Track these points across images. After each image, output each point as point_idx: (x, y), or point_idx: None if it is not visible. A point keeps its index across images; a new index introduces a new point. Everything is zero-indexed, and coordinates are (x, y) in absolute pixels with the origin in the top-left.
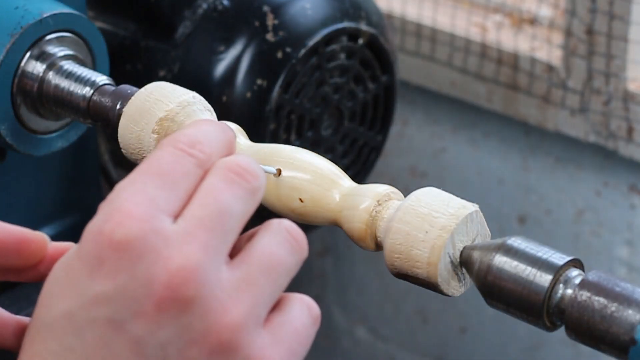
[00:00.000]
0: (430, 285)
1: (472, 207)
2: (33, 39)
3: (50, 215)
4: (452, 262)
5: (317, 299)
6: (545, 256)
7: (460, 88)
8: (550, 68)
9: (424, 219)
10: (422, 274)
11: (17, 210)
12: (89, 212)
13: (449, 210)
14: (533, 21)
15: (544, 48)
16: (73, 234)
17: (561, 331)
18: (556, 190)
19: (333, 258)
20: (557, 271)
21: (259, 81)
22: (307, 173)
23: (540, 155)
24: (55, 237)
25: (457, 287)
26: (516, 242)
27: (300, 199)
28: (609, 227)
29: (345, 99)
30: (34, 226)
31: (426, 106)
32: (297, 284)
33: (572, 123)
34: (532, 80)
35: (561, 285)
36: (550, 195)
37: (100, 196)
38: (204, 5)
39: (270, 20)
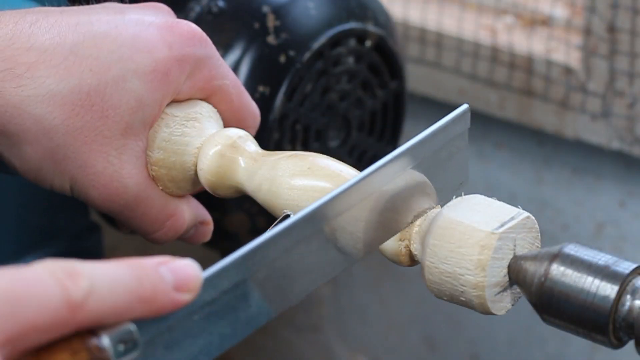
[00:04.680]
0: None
1: (493, 239)
2: None
3: (35, 243)
4: (500, 286)
5: (315, 328)
6: (607, 264)
7: (470, 96)
8: (568, 71)
9: (453, 277)
10: (474, 306)
11: (0, 238)
12: (76, 239)
13: (471, 264)
14: (547, 21)
15: (560, 49)
16: None
17: (583, 354)
18: (573, 203)
19: (331, 284)
20: (624, 280)
21: (260, 88)
22: (326, 180)
23: (555, 167)
24: None
25: (506, 305)
26: (573, 249)
27: None
28: (633, 240)
29: (352, 107)
30: (18, 254)
31: (432, 117)
32: (294, 314)
33: (593, 129)
34: (549, 85)
35: (628, 296)
36: (567, 210)
37: (87, 222)
38: (197, 8)
39: (271, 22)
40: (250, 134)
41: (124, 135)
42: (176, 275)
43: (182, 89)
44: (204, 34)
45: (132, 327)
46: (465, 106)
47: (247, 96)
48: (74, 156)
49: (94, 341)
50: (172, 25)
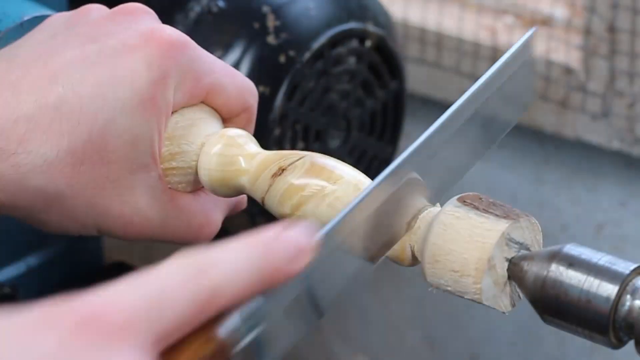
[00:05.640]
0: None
1: (491, 241)
2: None
3: (35, 243)
4: (498, 281)
5: (315, 329)
6: (607, 264)
7: None
8: (568, 71)
9: (453, 277)
10: (471, 297)
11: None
12: (76, 239)
13: (471, 264)
14: (547, 21)
15: (560, 49)
16: (60, 263)
17: (583, 354)
18: (573, 203)
19: None
20: (624, 280)
21: (261, 88)
22: (326, 180)
23: (555, 167)
24: (41, 267)
25: (507, 304)
26: (573, 249)
27: None
28: (633, 240)
29: (352, 107)
30: (18, 255)
31: (432, 117)
32: None
33: (593, 129)
34: (549, 85)
35: (628, 296)
36: (567, 210)
37: None
38: (197, 8)
39: (271, 22)
40: (254, 109)
41: (131, 171)
42: (290, 249)
43: (175, 102)
44: (182, 38)
45: (254, 305)
46: (532, 30)
47: (239, 76)
48: (89, 210)
49: (221, 328)
50: (148, 39)
